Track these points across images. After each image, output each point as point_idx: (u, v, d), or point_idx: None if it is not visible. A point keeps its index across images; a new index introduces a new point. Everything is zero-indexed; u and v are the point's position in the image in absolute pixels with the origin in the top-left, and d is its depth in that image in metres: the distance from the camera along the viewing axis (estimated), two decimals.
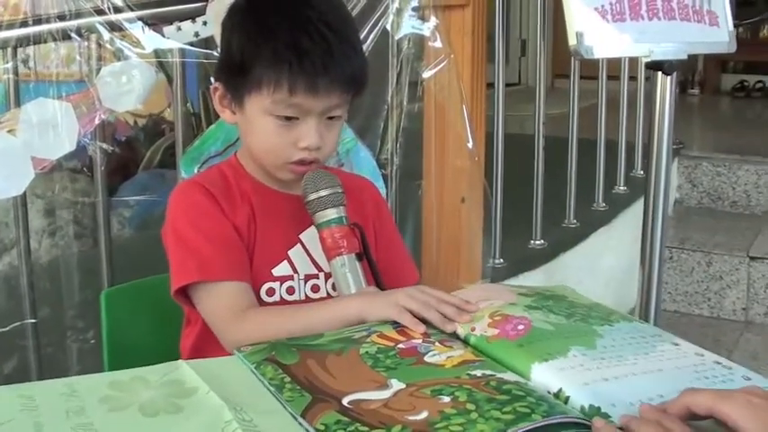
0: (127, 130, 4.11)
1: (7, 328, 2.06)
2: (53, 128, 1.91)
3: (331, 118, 1.38)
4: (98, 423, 0.92)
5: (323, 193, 1.36)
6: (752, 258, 3.47)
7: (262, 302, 1.38)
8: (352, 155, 2.24)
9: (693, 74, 6.57)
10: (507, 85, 3.07)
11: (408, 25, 2.18)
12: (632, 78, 3.63)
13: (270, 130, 1.36)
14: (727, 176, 4.02)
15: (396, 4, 2.14)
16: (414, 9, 2.17)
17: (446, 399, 0.95)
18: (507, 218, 2.88)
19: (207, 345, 1.36)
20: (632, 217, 3.34)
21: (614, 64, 3.61)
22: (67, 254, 3.04)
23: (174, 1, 1.96)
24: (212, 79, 1.51)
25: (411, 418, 0.91)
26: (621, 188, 3.70)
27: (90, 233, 3.16)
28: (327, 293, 1.42)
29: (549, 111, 3.24)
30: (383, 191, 2.26)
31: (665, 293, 3.51)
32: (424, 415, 0.92)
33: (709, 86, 6.61)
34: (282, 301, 1.40)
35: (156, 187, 3.52)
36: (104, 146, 2.07)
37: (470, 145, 2.23)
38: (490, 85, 2.75)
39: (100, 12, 1.92)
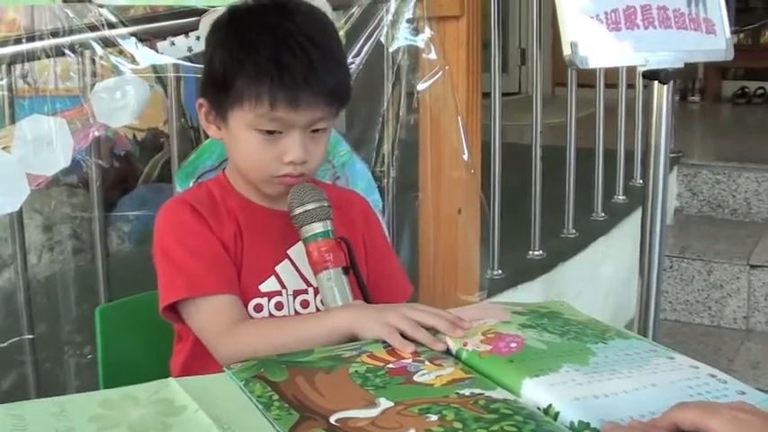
0: (126, 145, 4.12)
1: (5, 344, 2.05)
2: (48, 144, 1.92)
3: (316, 131, 1.38)
4: None
5: (309, 206, 1.36)
6: (752, 266, 3.46)
7: (251, 318, 1.38)
8: (347, 167, 2.24)
9: (694, 81, 6.56)
10: (506, 94, 3.07)
11: (403, 37, 2.18)
12: (631, 86, 3.62)
13: (254, 144, 1.37)
14: (727, 184, 4.01)
15: (390, 17, 2.14)
16: (408, 21, 2.18)
17: (433, 417, 0.94)
18: (506, 228, 2.87)
19: (197, 362, 1.36)
20: (632, 226, 3.33)
21: (613, 72, 3.60)
22: (66, 269, 3.03)
23: (166, 16, 1.96)
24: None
25: None
26: (620, 197, 3.69)
27: (89, 248, 3.15)
28: (317, 308, 1.42)
29: (549, 120, 3.24)
30: (379, 204, 2.26)
31: (665, 303, 3.50)
32: None
33: (709, 93, 6.60)
34: (271, 317, 1.40)
35: (154, 201, 3.50)
36: (100, 162, 2.08)
37: (466, 156, 2.23)
38: (488, 95, 2.75)
39: (93, 28, 1.93)
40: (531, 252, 3.04)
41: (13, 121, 1.95)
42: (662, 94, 2.21)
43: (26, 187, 1.91)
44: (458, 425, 0.92)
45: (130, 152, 4.11)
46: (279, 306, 1.42)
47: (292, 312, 1.42)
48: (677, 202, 4.04)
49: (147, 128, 4.02)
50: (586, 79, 3.50)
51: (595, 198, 3.50)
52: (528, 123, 3.07)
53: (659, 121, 2.22)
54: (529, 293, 2.79)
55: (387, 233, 2.28)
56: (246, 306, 1.39)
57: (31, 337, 2.05)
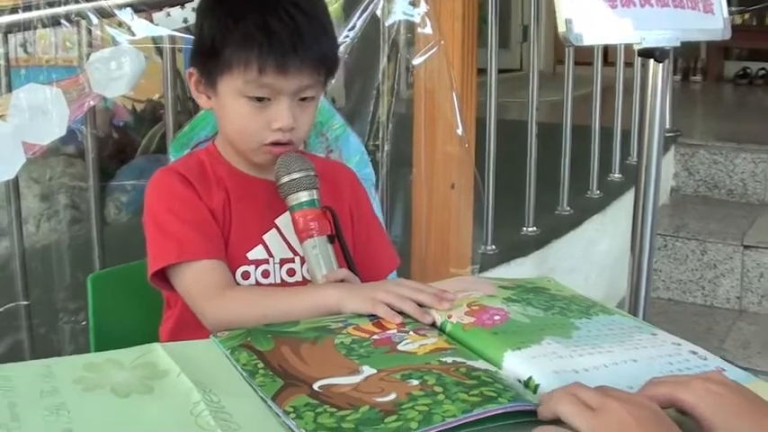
0: (125, 116, 4.12)
1: (1, 310, 2.08)
2: (44, 113, 1.93)
3: (304, 99, 1.40)
4: (70, 403, 0.93)
5: (295, 175, 1.38)
6: (746, 247, 3.47)
7: (238, 285, 1.40)
8: (341, 141, 2.25)
9: (696, 61, 6.56)
10: (507, 70, 3.07)
11: (399, 11, 2.18)
12: (629, 65, 3.62)
13: (243, 112, 1.38)
14: (724, 165, 4.02)
15: None
16: None
17: (415, 382, 0.96)
18: (501, 205, 2.88)
19: (184, 329, 1.38)
20: (627, 204, 3.33)
21: (613, 51, 3.60)
22: (63, 238, 3.05)
23: None
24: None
25: (379, 399, 0.93)
26: (616, 176, 3.70)
27: (87, 217, 3.17)
28: (303, 277, 1.44)
29: (549, 97, 3.24)
30: (372, 177, 2.27)
31: (658, 281, 3.52)
32: (392, 396, 0.93)
33: (711, 74, 6.59)
34: (258, 285, 1.42)
35: (152, 172, 3.52)
36: (96, 132, 2.10)
37: (460, 131, 2.23)
38: (484, 71, 2.76)
39: None
40: (525, 228, 3.06)
41: (9, 90, 1.96)
42: (657, 73, 2.21)
43: (22, 155, 1.92)
44: (438, 389, 0.94)
45: (129, 123, 4.12)
46: (265, 274, 1.43)
47: (278, 281, 1.44)
48: (674, 181, 4.05)
49: (147, 99, 4.02)
50: (588, 57, 3.50)
51: (591, 176, 3.51)
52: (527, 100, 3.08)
53: (654, 100, 2.22)
54: (521, 269, 2.81)
55: (379, 206, 2.30)
56: (234, 274, 1.41)
57: (26, 303, 2.08)
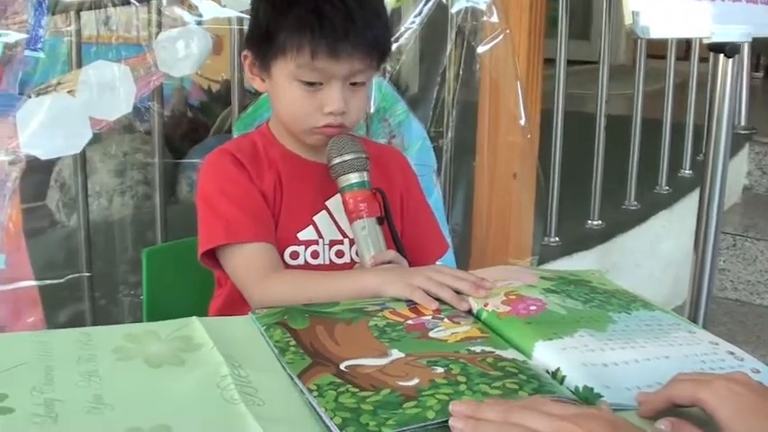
0: (201, 96, 4.18)
1: (62, 280, 2.13)
2: (111, 90, 1.97)
3: (355, 84, 1.41)
4: (103, 370, 0.96)
5: (347, 157, 1.39)
6: None
7: (286, 265, 1.42)
8: (404, 127, 2.26)
9: (759, 57, 6.34)
10: (588, 62, 3.04)
11: None
12: (704, 60, 3.54)
13: (295, 95, 1.40)
14: None
15: None
16: None
17: (440, 369, 0.97)
18: (567, 197, 2.86)
19: (232, 307, 1.40)
20: (696, 202, 3.26)
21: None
22: (132, 213, 3.13)
23: None
24: None
25: (401, 383, 0.94)
26: (687, 172, 3.63)
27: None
28: (351, 259, 1.45)
29: (626, 90, 3.21)
30: (433, 164, 2.28)
31: (726, 281, 3.44)
32: (414, 381, 0.94)
33: None
34: (306, 265, 1.44)
35: None
36: (161, 110, 2.14)
37: (523, 121, 2.22)
38: (570, 63, 2.75)
39: None
40: (589, 221, 3.03)
41: (79, 67, 2.01)
42: (727, 68, 2.17)
43: (89, 130, 1.97)
44: (462, 378, 0.95)
45: (205, 103, 4.18)
46: (314, 255, 1.45)
47: (327, 262, 1.45)
48: (746, 179, 3.95)
49: (222, 79, 4.07)
50: (665, 51, 3.44)
51: (660, 171, 3.45)
52: (610, 93, 3.04)
53: (722, 96, 2.18)
54: (583, 262, 2.79)
55: (440, 193, 2.30)
56: (283, 253, 1.43)
57: (89, 275, 2.14)
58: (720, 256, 3.40)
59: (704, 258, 2.26)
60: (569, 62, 2.80)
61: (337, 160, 1.40)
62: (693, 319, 2.27)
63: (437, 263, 1.58)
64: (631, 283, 2.81)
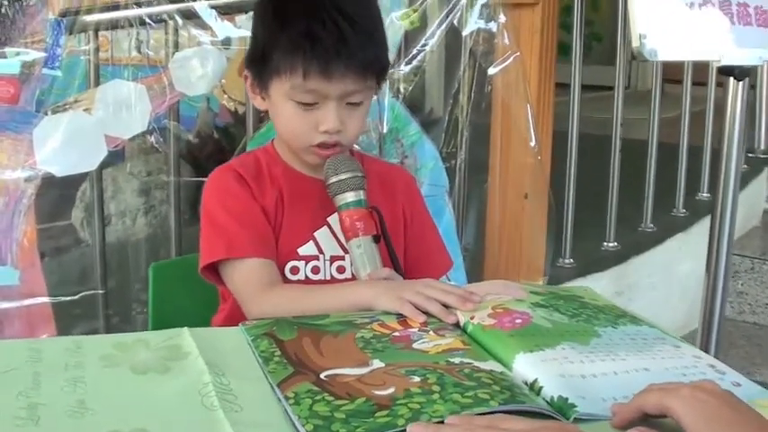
0: (227, 118, 4.23)
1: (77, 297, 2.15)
2: (127, 108, 2.02)
3: (352, 104, 1.43)
4: (89, 377, 0.99)
5: (343, 176, 1.42)
6: None
7: (286, 280, 1.45)
8: (416, 147, 2.29)
9: None
10: (611, 87, 3.06)
11: (476, 22, 2.21)
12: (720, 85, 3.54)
13: (291, 114, 1.43)
14: None
15: (464, 1, 2.17)
16: (483, 6, 2.20)
17: (417, 379, 0.99)
18: (582, 219, 2.87)
19: (235, 321, 1.41)
20: None
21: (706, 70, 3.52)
22: (154, 232, 3.17)
23: None
24: None
25: (377, 392, 0.96)
26: (704, 195, 3.61)
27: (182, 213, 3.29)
28: (352, 275, 1.47)
29: (643, 115, 3.22)
30: (446, 184, 2.30)
31: (744, 304, 3.42)
32: (390, 390, 0.96)
33: None
34: (307, 280, 1.46)
35: None
36: (176, 127, 2.18)
37: (533, 143, 2.24)
38: (593, 88, 2.76)
39: (175, 0, 2.03)
40: (605, 243, 3.03)
41: (96, 86, 2.06)
42: (737, 92, 2.17)
43: (104, 148, 2.01)
44: (436, 388, 0.97)
45: (230, 125, 4.23)
46: (315, 270, 1.47)
47: (328, 277, 1.48)
48: (767, 204, 3.93)
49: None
50: (696, 77, 3.43)
51: (678, 194, 3.45)
52: (636, 117, 3.04)
53: (733, 118, 2.19)
54: (598, 284, 2.78)
55: (452, 213, 2.32)
56: (284, 268, 1.46)
57: (102, 292, 2.17)
58: (739, 280, 3.39)
59: (716, 280, 2.25)
60: (595, 87, 2.82)
61: (334, 179, 1.43)
62: (706, 342, 2.27)
63: (442, 279, 1.60)
64: (646, 306, 2.83)
